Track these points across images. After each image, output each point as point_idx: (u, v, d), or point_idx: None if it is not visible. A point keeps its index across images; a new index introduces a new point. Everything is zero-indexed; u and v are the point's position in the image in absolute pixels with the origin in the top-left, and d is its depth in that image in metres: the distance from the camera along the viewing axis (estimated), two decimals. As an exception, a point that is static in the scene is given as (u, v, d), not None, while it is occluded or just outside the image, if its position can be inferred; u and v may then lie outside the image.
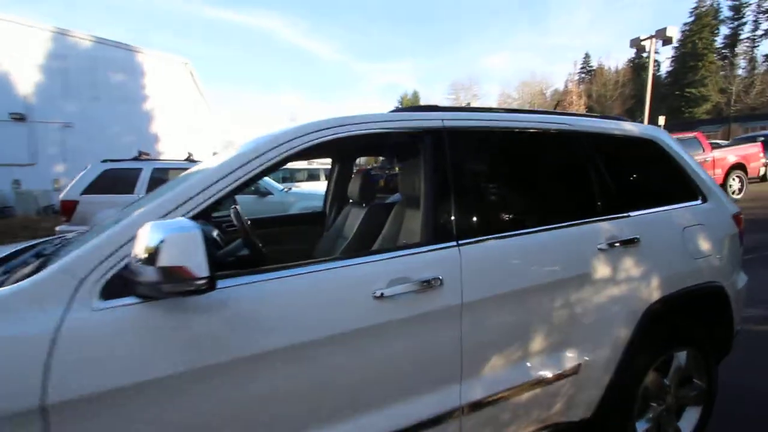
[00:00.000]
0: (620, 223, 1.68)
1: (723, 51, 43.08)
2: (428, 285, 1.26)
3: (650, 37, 15.79)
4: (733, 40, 43.29)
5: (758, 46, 42.02)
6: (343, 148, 2.63)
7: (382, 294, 1.20)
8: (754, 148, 10.87)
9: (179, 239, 0.89)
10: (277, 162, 1.22)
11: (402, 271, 1.26)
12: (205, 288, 0.92)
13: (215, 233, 1.83)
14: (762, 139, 11.89)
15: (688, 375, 1.90)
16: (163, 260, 0.88)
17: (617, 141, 1.89)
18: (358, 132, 1.35)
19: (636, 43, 16.42)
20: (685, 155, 2.08)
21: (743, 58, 41.67)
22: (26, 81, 15.46)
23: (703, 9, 43.38)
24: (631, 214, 1.74)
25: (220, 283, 1.08)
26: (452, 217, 1.39)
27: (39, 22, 15.80)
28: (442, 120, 1.49)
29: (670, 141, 2.06)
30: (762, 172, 11.32)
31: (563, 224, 1.56)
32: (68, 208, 6.03)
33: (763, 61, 39.98)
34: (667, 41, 16.02)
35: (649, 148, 1.99)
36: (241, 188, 1.17)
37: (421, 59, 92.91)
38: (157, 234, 0.90)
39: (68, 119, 16.22)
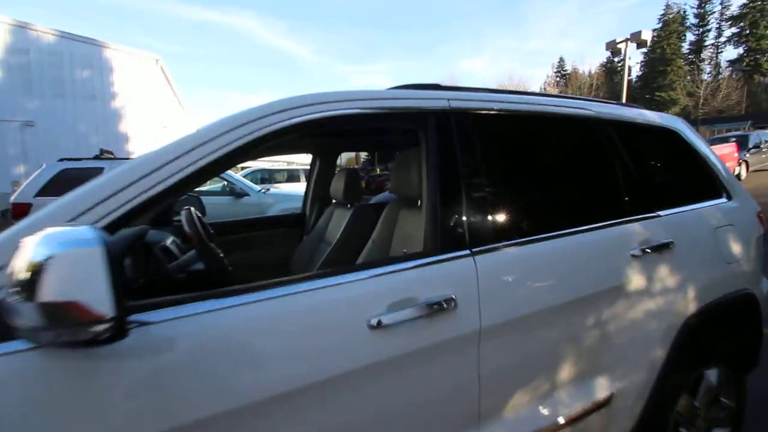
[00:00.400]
0: (651, 225, 1.45)
1: (689, 56, 44.80)
2: (439, 308, 0.97)
3: (626, 40, 16.07)
4: (698, 46, 45.09)
5: (722, 51, 43.97)
6: (322, 134, 2.32)
7: (379, 322, 0.90)
8: (729, 148, 11.14)
9: (71, 259, 0.57)
10: (234, 149, 0.90)
11: (404, 290, 0.97)
12: (107, 336, 0.60)
13: (170, 241, 1.49)
14: (734, 139, 12.22)
15: (716, 394, 1.69)
16: (46, 292, 0.56)
17: (641, 131, 1.66)
18: (342, 112, 1.05)
19: (612, 46, 16.69)
20: (706, 148, 1.88)
21: (708, 63, 43.50)
22: (-17, 76, 14.46)
23: (670, 16, 45.00)
24: (661, 213, 1.51)
25: (155, 315, 0.77)
26: (464, 219, 1.11)
27: (-4, 14, 14.79)
28: (449, 100, 1.20)
29: (691, 132, 1.85)
30: (737, 172, 11.60)
31: (591, 226, 1.31)
32: (21, 212, 5.46)
33: (727, 66, 41.86)
34: (641, 44, 16.34)
35: (672, 139, 1.77)
36: (185, 185, 0.85)
37: (401, 61, 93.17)
38: (43, 249, 0.58)
39: (29, 117, 15.24)
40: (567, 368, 1.21)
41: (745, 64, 40.25)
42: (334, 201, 2.48)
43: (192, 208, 1.27)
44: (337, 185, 2.22)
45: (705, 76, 38.83)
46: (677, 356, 1.42)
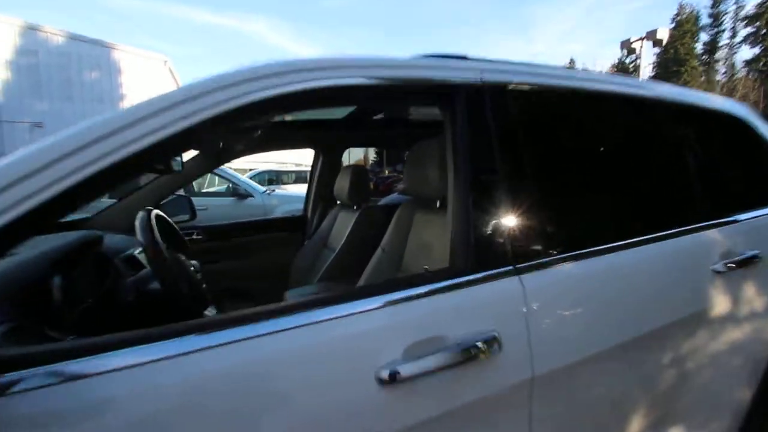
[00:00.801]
0: (730, 232, 1.16)
1: (703, 57, 43.87)
2: (477, 351, 0.69)
3: (641, 39, 15.61)
4: (712, 46, 44.13)
5: (736, 52, 42.99)
6: (323, 126, 2.06)
7: (393, 374, 0.63)
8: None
9: None
10: (188, 128, 0.63)
11: (427, 325, 0.70)
12: None
13: (140, 250, 1.24)
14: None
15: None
16: None
17: (707, 118, 1.37)
18: (342, 81, 0.77)
19: (627, 45, 16.25)
20: None
21: (723, 64, 42.59)
22: (-7, 77, 14.58)
23: (683, 16, 44.13)
24: (739, 218, 1.22)
25: (90, 364, 0.54)
26: (504, 224, 0.83)
27: (6, 16, 14.91)
28: (481, 71, 0.93)
29: (759, 121, 1.56)
30: None
31: (663, 233, 1.02)
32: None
33: (743, 66, 40.89)
34: (657, 43, 15.90)
35: (739, 128, 1.47)
36: (117, 174, 0.59)
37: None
38: None
39: (38, 119, 15.31)
40: (638, 419, 0.92)
41: (762, 64, 39.30)
42: (338, 202, 2.22)
43: (154, 210, 1.01)
44: (342, 184, 1.97)
45: (719, 77, 37.97)
46: (763, 397, 1.13)
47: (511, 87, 0.95)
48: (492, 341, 0.70)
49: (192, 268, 1.00)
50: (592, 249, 0.89)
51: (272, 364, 0.59)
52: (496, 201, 0.84)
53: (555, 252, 0.86)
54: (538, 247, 0.85)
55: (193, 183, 6.53)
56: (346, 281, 1.64)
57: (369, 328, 0.66)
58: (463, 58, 1.01)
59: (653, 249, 0.98)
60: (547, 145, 0.99)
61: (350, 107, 1.87)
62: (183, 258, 0.99)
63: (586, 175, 1.02)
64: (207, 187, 7.86)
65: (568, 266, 0.85)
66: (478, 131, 0.88)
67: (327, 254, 2.07)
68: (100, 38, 16.53)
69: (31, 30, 15.35)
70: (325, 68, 0.76)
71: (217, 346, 0.57)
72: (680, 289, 0.99)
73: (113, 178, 0.59)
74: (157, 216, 1.05)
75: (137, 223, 0.90)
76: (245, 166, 12.73)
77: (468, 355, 0.68)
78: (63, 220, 1.71)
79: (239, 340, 0.58)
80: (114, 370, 0.54)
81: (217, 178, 7.17)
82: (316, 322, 0.63)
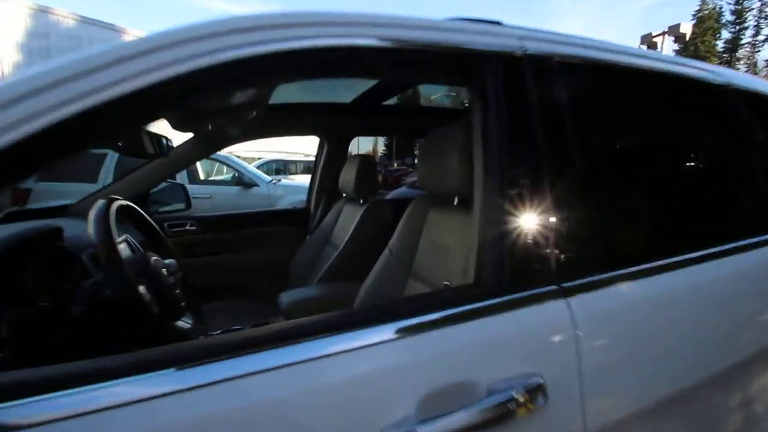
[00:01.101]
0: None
1: (724, 55, 42.57)
2: (515, 404, 0.52)
3: (663, 33, 15.08)
4: (734, 44, 42.77)
5: (759, 51, 41.59)
6: (323, 94, 1.88)
7: (406, 436, 0.46)
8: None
9: None
10: (154, 84, 0.47)
11: (449, 365, 0.53)
12: None
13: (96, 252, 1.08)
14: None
15: None
16: None
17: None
18: (349, 41, 0.60)
19: (647, 40, 15.70)
20: None
21: (744, 63, 41.29)
22: (3, 60, 14.56)
23: (706, 12, 42.75)
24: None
25: (20, 410, 0.39)
26: (544, 231, 0.66)
27: (18, -4, 14.87)
28: (521, 39, 0.75)
29: None
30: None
31: (731, 246, 0.84)
32: (20, 198, 5.24)
33: (765, 66, 39.58)
34: (680, 38, 15.36)
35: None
36: (53, 138, 0.43)
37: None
38: None
39: (49, 102, 15.32)
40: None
41: (785, 63, 38.00)
42: (344, 195, 2.05)
43: (118, 200, 0.84)
44: (348, 175, 1.80)
45: (740, 76, 36.78)
46: None
47: (558, 60, 0.76)
48: (536, 390, 0.53)
49: (164, 270, 0.84)
50: (657, 263, 0.71)
51: (232, 424, 0.43)
52: (537, 202, 0.66)
53: (611, 267, 0.68)
54: (590, 261, 0.67)
55: (200, 171, 6.44)
56: (348, 284, 1.48)
57: (373, 369, 0.49)
58: (498, 23, 0.83)
59: (729, 264, 0.79)
60: (603, 134, 0.80)
61: (357, 82, 1.69)
62: (153, 258, 0.82)
63: (649, 173, 0.83)
64: (215, 175, 7.79)
65: (627, 285, 0.67)
66: (517, 113, 0.70)
67: (329, 251, 1.91)
68: (110, 22, 16.47)
69: (42, 12, 15.31)
70: (328, 23, 0.59)
71: (156, 397, 0.40)
72: (754, 317, 0.81)
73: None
74: (124, 207, 0.89)
75: (91, 214, 0.73)
76: (253, 155, 12.63)
77: (504, 410, 0.50)
78: (39, 207, 1.57)
79: (192, 388, 0.42)
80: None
81: (225, 166, 7.08)
82: (301, 362, 0.46)
